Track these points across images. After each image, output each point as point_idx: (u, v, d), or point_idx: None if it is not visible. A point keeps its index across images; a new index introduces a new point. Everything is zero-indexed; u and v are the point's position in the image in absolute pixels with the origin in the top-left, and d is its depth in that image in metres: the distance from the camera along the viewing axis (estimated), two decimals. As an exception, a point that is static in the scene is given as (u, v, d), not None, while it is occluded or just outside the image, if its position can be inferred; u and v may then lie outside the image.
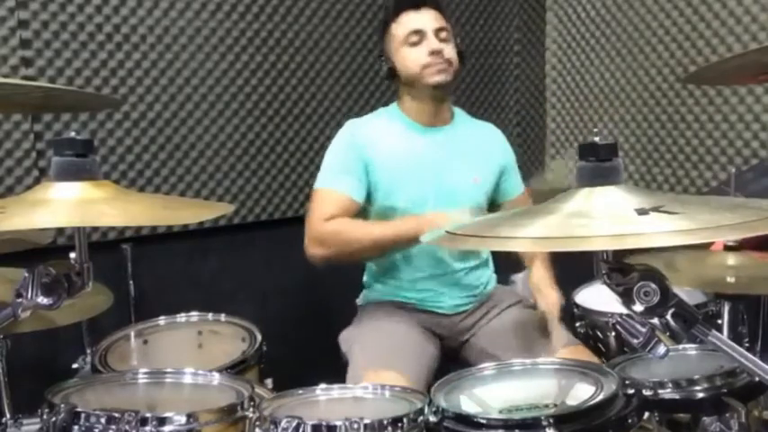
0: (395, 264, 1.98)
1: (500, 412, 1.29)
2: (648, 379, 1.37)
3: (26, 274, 1.12)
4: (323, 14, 2.63)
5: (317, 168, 1.95)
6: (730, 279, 1.73)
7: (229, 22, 2.46)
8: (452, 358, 1.99)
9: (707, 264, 1.80)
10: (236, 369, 1.64)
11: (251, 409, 1.28)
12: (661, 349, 1.05)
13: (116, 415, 1.19)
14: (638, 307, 1.02)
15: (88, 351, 1.89)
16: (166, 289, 2.37)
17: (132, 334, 1.87)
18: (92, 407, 1.23)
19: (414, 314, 1.98)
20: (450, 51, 1.91)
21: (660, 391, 1.36)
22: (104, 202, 1.13)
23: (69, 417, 1.20)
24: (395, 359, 1.73)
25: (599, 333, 1.96)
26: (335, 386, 1.41)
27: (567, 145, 3.10)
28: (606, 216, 1.01)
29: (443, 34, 1.91)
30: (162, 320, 1.92)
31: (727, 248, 1.79)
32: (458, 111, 2.07)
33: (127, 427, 1.18)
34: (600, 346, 1.94)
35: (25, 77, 2.12)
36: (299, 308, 2.66)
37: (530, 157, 3.21)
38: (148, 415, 1.20)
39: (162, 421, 1.20)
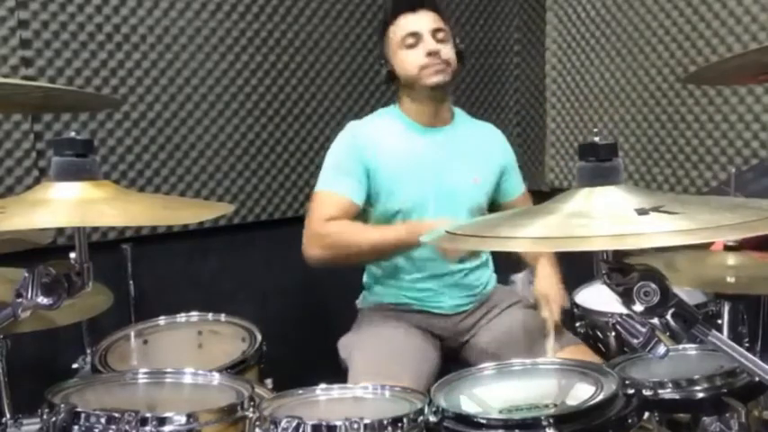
0: (395, 265, 1.97)
1: (500, 412, 1.29)
2: (648, 379, 1.37)
3: (26, 274, 1.12)
4: (323, 14, 2.63)
5: (317, 168, 1.95)
6: (730, 279, 1.73)
7: (229, 22, 2.46)
8: (453, 359, 1.99)
9: (707, 264, 1.80)
10: (236, 369, 1.64)
11: (251, 409, 1.28)
12: (661, 349, 1.05)
13: (116, 415, 1.19)
14: (638, 307, 1.02)
15: (88, 351, 1.89)
16: (166, 289, 2.37)
17: (132, 334, 1.87)
18: (92, 407, 1.23)
19: (414, 316, 1.98)
20: (447, 52, 1.91)
21: (660, 391, 1.36)
22: (104, 202, 1.13)
23: (69, 417, 1.20)
24: (395, 367, 1.73)
25: (599, 333, 1.96)
26: (335, 386, 1.41)
27: (567, 145, 3.10)
28: (606, 216, 1.01)
29: (441, 35, 1.91)
30: (162, 320, 1.92)
31: (727, 248, 1.79)
32: (458, 111, 2.07)
33: (127, 427, 1.18)
34: (600, 346, 1.94)
35: (25, 77, 2.13)
36: (299, 308, 2.66)
37: (530, 157, 3.21)
38: (148, 415, 1.20)
39: (162, 421, 1.20)
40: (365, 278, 2.11)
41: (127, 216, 1.20)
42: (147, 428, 1.19)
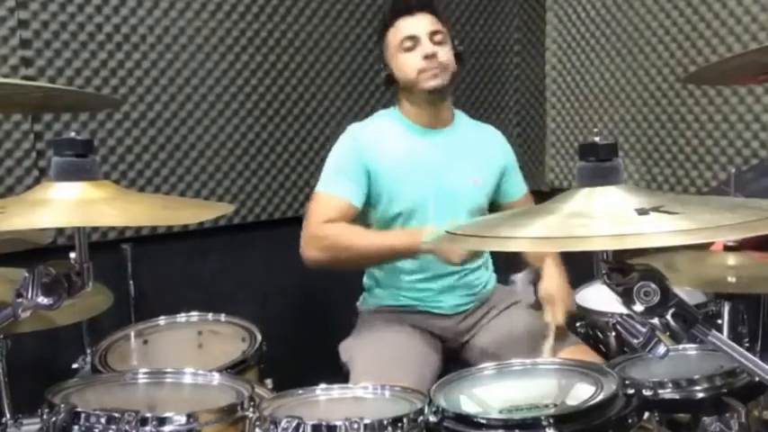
0: (395, 266, 1.97)
1: (500, 412, 1.29)
2: (648, 379, 1.37)
3: (26, 274, 1.12)
4: (323, 14, 2.63)
5: (317, 168, 1.95)
6: (730, 279, 1.73)
7: (229, 22, 2.45)
8: (453, 359, 1.99)
9: (707, 264, 1.80)
10: (236, 369, 1.64)
11: (251, 409, 1.28)
12: (661, 349, 1.05)
13: (116, 415, 1.19)
14: (638, 307, 1.02)
15: (88, 351, 1.89)
16: (166, 289, 2.37)
17: (132, 334, 1.87)
18: (92, 407, 1.23)
19: (414, 317, 1.98)
20: (445, 54, 1.91)
21: (660, 391, 1.36)
22: (104, 202, 1.13)
23: (69, 417, 1.20)
24: (396, 372, 1.72)
25: (599, 333, 1.96)
26: (335, 386, 1.41)
27: (567, 145, 3.10)
28: (606, 216, 1.01)
29: (438, 37, 1.91)
30: (162, 320, 1.92)
31: (727, 248, 1.79)
32: (458, 113, 2.08)
33: (127, 427, 1.18)
34: (600, 346, 1.94)
35: (25, 77, 2.12)
36: (299, 308, 2.66)
37: (530, 158, 3.21)
38: (148, 415, 1.20)
39: (162, 421, 1.21)
40: (365, 280, 2.11)
41: (127, 216, 1.20)
42: (147, 428, 1.19)
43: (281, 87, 2.57)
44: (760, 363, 1.01)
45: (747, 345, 1.89)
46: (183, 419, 1.22)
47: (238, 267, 2.56)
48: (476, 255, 1.94)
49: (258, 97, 2.53)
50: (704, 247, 1.84)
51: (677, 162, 2.70)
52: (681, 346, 1.51)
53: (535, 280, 2.02)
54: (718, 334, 1.02)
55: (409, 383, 1.45)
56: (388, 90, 2.05)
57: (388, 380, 1.45)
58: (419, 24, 1.91)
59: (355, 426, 1.19)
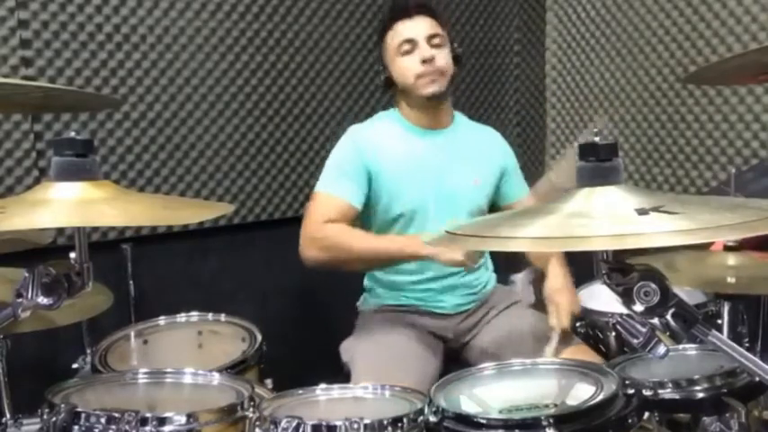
0: (395, 267, 1.97)
1: (500, 412, 1.29)
2: (648, 379, 1.37)
3: (26, 274, 1.12)
4: (323, 14, 2.63)
5: (317, 168, 1.95)
6: (730, 279, 1.73)
7: (229, 22, 2.45)
8: (453, 359, 1.99)
9: (707, 264, 1.80)
10: (236, 369, 1.64)
11: (251, 409, 1.28)
12: (661, 349, 1.05)
13: (116, 415, 1.19)
14: (638, 307, 1.02)
15: (88, 351, 1.89)
16: (166, 289, 2.37)
17: (132, 334, 1.87)
18: (92, 407, 1.23)
19: (415, 317, 1.98)
20: (443, 59, 1.91)
21: (660, 391, 1.36)
22: (104, 202, 1.13)
23: (69, 417, 1.20)
24: (398, 374, 1.71)
25: (599, 333, 1.96)
26: (335, 386, 1.41)
27: (567, 145, 3.10)
28: (606, 216, 1.01)
29: (436, 40, 1.91)
30: (162, 320, 1.92)
31: (727, 248, 1.79)
32: (457, 114, 2.08)
33: (127, 427, 1.18)
34: (600, 346, 1.94)
35: (25, 77, 2.12)
36: (299, 308, 2.66)
37: (530, 158, 3.21)
38: (148, 415, 1.21)
39: (162, 421, 1.21)
40: (366, 280, 2.11)
41: (127, 216, 1.20)
42: (147, 428, 1.19)
43: (281, 87, 2.57)
44: (760, 363, 1.01)
45: (747, 345, 1.89)
46: (183, 419, 1.22)
47: (238, 267, 2.56)
48: (481, 254, 1.94)
49: (258, 97, 2.53)
50: (704, 247, 1.84)
51: (677, 162, 2.70)
52: (681, 346, 1.51)
53: (535, 280, 2.02)
54: (718, 334, 1.02)
55: (411, 384, 1.45)
56: (387, 92, 2.06)
57: (390, 380, 1.45)
58: (417, 28, 1.91)
59: (355, 426, 1.19)
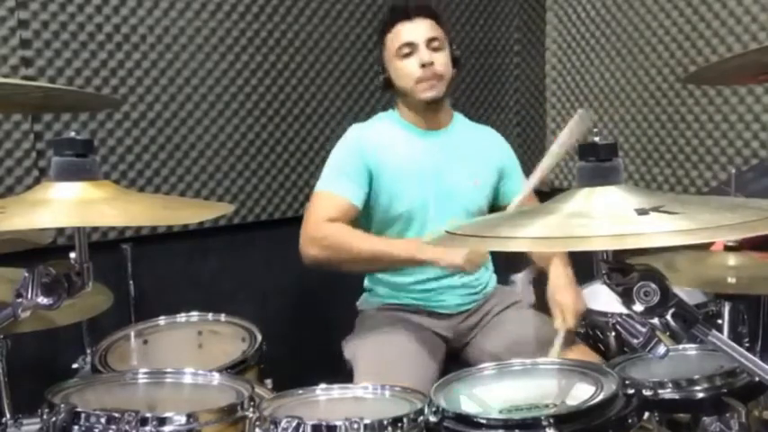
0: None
1: (500, 412, 1.29)
2: (648, 379, 1.37)
3: (26, 274, 1.12)
4: (323, 14, 2.63)
5: (317, 168, 1.95)
6: (730, 279, 1.73)
7: (229, 22, 2.45)
8: (454, 359, 1.99)
9: (707, 264, 1.80)
10: (236, 369, 1.64)
11: (251, 409, 1.28)
12: (661, 349, 1.05)
13: (116, 415, 1.19)
14: (638, 307, 1.02)
15: (88, 351, 1.89)
16: (166, 289, 2.37)
17: (132, 334, 1.87)
18: (92, 407, 1.23)
19: (417, 317, 1.98)
20: (442, 62, 1.91)
21: (660, 391, 1.36)
22: (104, 202, 1.13)
23: (69, 417, 1.20)
24: (400, 376, 1.71)
25: (599, 333, 1.96)
26: (335, 386, 1.41)
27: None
28: (606, 216, 1.01)
29: (435, 43, 1.91)
30: (162, 320, 1.92)
31: (727, 248, 1.79)
32: (456, 114, 2.09)
33: (127, 427, 1.18)
34: (600, 346, 1.94)
35: (25, 77, 2.12)
36: (298, 308, 2.66)
37: (530, 157, 3.20)
38: (148, 415, 1.20)
39: (162, 421, 1.21)
40: (366, 280, 2.11)
41: (127, 216, 1.20)
42: (147, 428, 1.19)
43: (281, 87, 2.57)
44: (760, 363, 1.01)
45: (747, 345, 1.89)
46: (183, 419, 1.22)
47: (238, 267, 2.56)
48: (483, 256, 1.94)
49: (258, 97, 2.53)
50: (704, 247, 1.84)
51: (677, 162, 2.70)
52: (681, 346, 1.51)
53: (535, 280, 2.01)
54: (718, 334, 1.02)
55: (413, 384, 1.45)
56: (387, 93, 2.06)
57: (391, 380, 1.45)
58: (417, 30, 1.91)
59: (355, 426, 1.19)
